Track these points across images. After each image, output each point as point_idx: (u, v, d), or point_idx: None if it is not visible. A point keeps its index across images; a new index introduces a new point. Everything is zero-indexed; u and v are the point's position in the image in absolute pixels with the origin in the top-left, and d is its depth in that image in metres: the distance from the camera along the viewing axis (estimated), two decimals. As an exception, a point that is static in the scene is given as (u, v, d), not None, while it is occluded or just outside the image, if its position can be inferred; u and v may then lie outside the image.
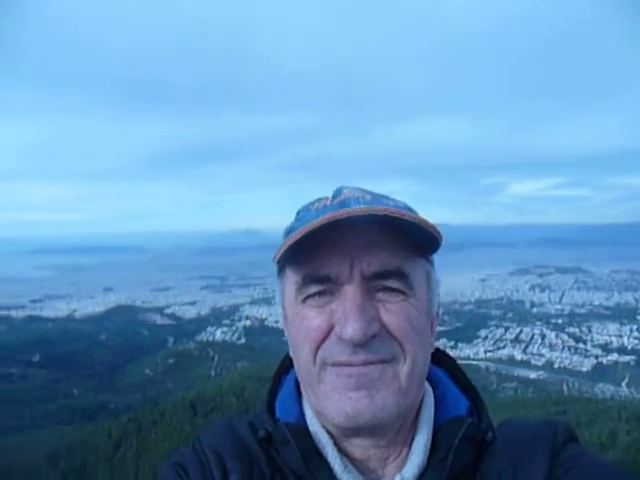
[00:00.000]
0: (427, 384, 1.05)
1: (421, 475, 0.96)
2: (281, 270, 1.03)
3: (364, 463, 0.99)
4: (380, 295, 0.94)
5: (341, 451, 0.98)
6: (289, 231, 0.99)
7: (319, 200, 1.02)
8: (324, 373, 0.95)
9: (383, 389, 0.91)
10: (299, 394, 1.05)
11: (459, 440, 0.96)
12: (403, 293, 0.95)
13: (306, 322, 0.96)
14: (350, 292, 0.92)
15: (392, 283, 0.94)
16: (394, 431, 0.97)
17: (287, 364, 1.10)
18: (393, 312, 0.93)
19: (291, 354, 1.05)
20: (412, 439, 1.00)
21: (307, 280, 0.96)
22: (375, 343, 0.92)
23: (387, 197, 1.01)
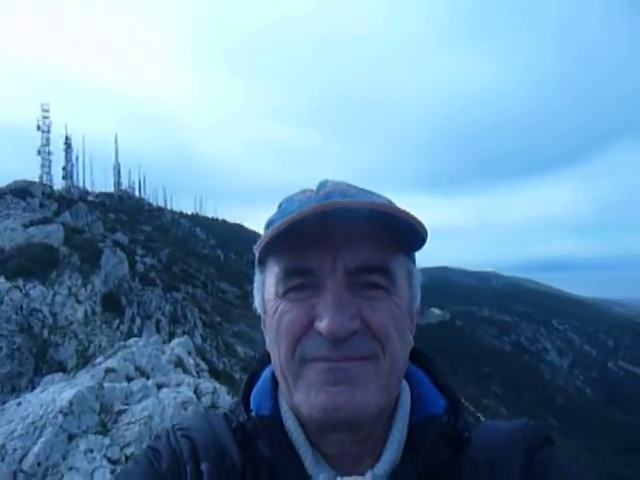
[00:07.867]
0: (404, 382, 1.01)
1: (393, 472, 0.92)
2: (262, 261, 0.97)
3: (337, 458, 0.94)
4: (363, 291, 0.89)
5: (314, 446, 0.94)
6: (271, 222, 0.96)
7: (303, 192, 0.97)
8: (303, 368, 0.89)
9: (363, 386, 0.87)
10: (275, 388, 1.01)
11: (434, 438, 0.93)
12: (386, 290, 0.89)
13: (286, 316, 0.90)
14: (332, 286, 0.86)
15: (375, 278, 0.89)
16: (370, 428, 0.92)
17: (266, 358, 1.04)
18: (376, 310, 0.88)
19: (268, 348, 0.99)
20: (387, 436, 0.95)
21: (288, 272, 0.89)
22: (356, 339, 0.87)
23: (371, 192, 0.97)
